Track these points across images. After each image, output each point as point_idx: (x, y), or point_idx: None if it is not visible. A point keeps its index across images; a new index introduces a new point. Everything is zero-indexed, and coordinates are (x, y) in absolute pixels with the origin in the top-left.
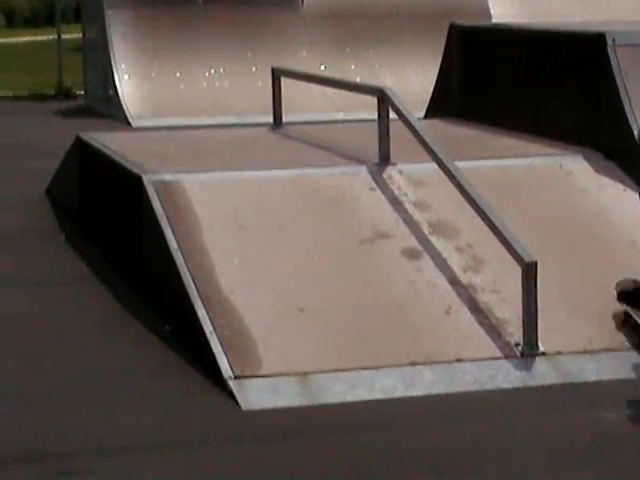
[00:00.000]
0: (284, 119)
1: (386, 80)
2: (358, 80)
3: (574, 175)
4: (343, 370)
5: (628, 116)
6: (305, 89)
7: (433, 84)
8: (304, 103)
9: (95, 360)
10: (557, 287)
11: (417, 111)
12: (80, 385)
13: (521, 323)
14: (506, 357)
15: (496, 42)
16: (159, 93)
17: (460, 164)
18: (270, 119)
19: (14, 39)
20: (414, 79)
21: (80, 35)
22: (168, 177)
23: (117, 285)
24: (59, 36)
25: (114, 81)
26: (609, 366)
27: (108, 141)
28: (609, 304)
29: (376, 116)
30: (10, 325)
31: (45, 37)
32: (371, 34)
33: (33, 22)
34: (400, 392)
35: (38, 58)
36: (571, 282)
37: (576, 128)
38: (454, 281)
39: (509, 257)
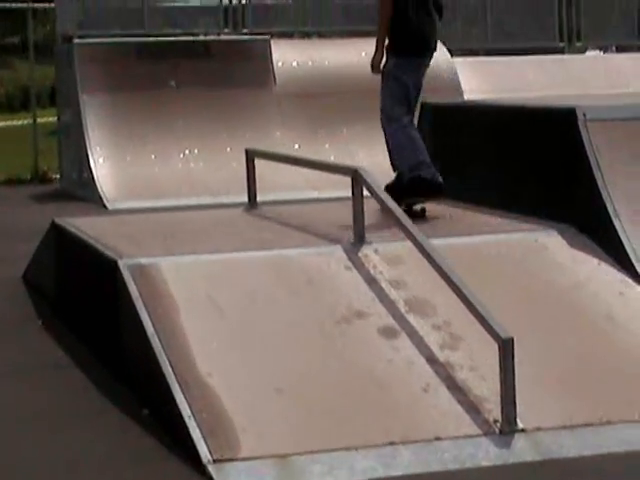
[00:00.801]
0: (259, 198)
1: (360, 158)
2: (332, 159)
3: (549, 250)
4: (322, 451)
5: (601, 190)
6: (279, 168)
7: None
8: (278, 182)
9: (73, 447)
10: (535, 363)
11: None
12: (59, 474)
13: (499, 400)
14: (485, 434)
15: (467, 119)
16: (134, 175)
17: (434, 241)
18: (245, 198)
19: None
20: (385, 156)
21: (55, 119)
22: (144, 260)
23: (95, 370)
24: (34, 120)
25: (89, 164)
26: (590, 441)
27: (83, 225)
28: (588, 378)
29: (349, 194)
30: None
31: (21, 122)
32: (344, 113)
33: (8, 107)
34: (379, 473)
35: (14, 142)
36: (549, 357)
37: (550, 203)
38: (431, 359)
39: (486, 334)
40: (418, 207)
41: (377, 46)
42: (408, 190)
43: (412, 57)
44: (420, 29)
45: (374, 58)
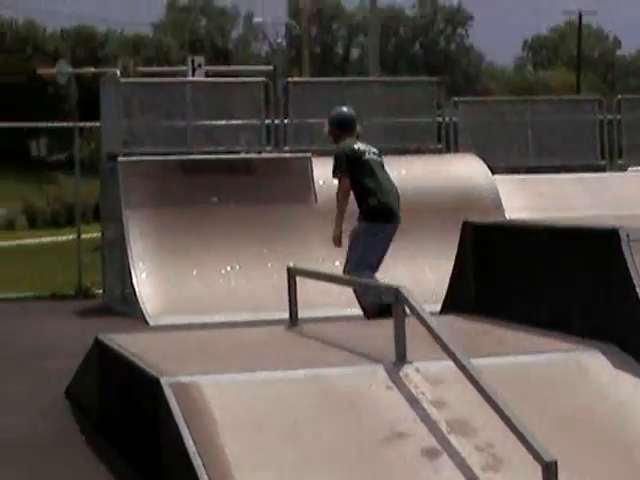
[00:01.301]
0: (299, 315)
1: (400, 275)
2: None
3: (591, 371)
4: None
5: None
6: (320, 284)
7: (447, 278)
8: (319, 299)
9: None
10: None
11: (432, 305)
12: None
13: None
14: None
15: (509, 238)
16: (176, 291)
17: (476, 361)
18: (285, 315)
19: (36, 239)
20: (429, 274)
21: (99, 234)
22: (185, 379)
23: None
24: (79, 236)
25: (131, 280)
26: None
27: (126, 342)
28: None
29: None
30: None
31: (65, 237)
32: None
33: (54, 223)
34: None
35: (58, 258)
36: None
37: (592, 322)
38: None
39: (529, 456)
40: None
41: (336, 221)
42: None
43: (380, 223)
44: (383, 200)
45: (334, 232)
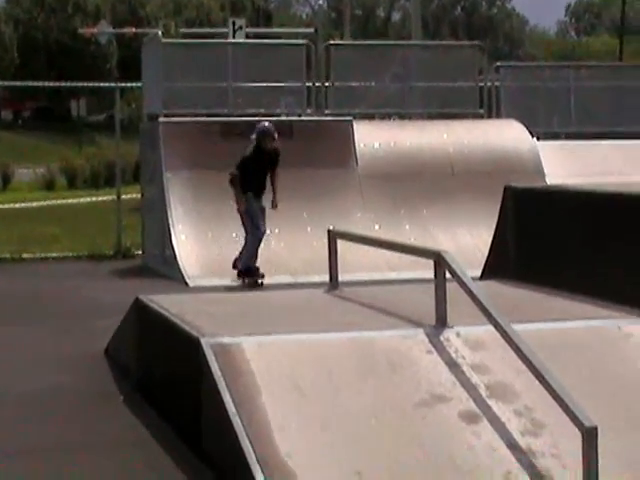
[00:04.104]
0: (339, 279)
1: (440, 239)
2: (412, 240)
3: (633, 337)
4: None
5: None
6: (359, 248)
7: (488, 244)
8: (358, 262)
9: None
10: (619, 454)
11: (472, 270)
12: None
13: None
14: None
15: (551, 204)
16: (216, 253)
17: (517, 326)
18: (324, 278)
19: (75, 200)
20: (469, 239)
21: (139, 195)
22: (226, 340)
23: (175, 447)
24: (119, 197)
25: (171, 241)
26: None
27: (166, 303)
28: None
29: (429, 275)
30: None
31: (104, 198)
32: (425, 194)
33: (93, 183)
34: None
35: (98, 218)
36: (634, 450)
37: (636, 291)
38: (513, 445)
39: (569, 421)
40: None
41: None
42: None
43: None
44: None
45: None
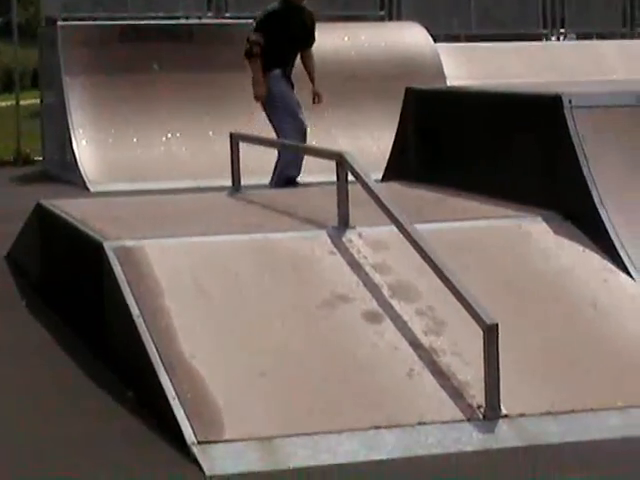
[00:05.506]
0: (243, 182)
1: (342, 143)
2: (315, 143)
3: (533, 236)
4: (305, 434)
5: (587, 178)
6: (263, 152)
7: (389, 147)
8: (262, 166)
9: (57, 427)
10: (519, 349)
11: (375, 173)
12: (40, 453)
13: (483, 385)
14: (469, 420)
15: (452, 105)
16: (116, 158)
17: (419, 226)
18: (228, 182)
19: None
20: (370, 142)
21: (38, 101)
22: (129, 243)
23: (79, 352)
24: (17, 102)
25: (72, 146)
26: (572, 428)
27: (68, 207)
28: (571, 365)
29: (334, 178)
30: None
31: (3, 104)
32: (327, 97)
33: None
34: (363, 456)
35: None
36: (533, 344)
37: (534, 190)
38: (415, 344)
39: (470, 319)
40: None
41: None
42: None
43: None
44: None
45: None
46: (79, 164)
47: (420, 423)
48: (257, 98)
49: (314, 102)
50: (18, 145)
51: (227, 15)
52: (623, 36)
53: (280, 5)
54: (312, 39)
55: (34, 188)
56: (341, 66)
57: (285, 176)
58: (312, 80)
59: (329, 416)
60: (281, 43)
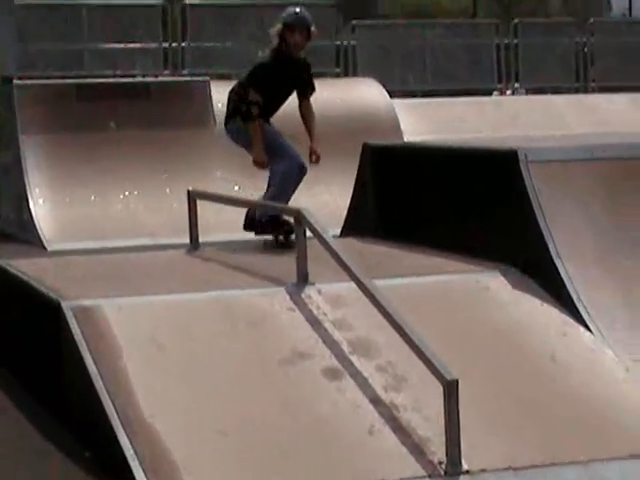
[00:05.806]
0: (200, 240)
1: (302, 199)
2: None
3: (491, 291)
4: None
5: (543, 231)
6: (220, 209)
7: (347, 202)
8: (220, 223)
9: None
10: (479, 404)
11: (334, 228)
12: None
13: (444, 441)
14: (430, 476)
15: (408, 160)
16: (74, 216)
17: (377, 282)
18: (186, 240)
19: None
20: (328, 197)
21: None
22: (86, 302)
23: (37, 414)
24: None
25: (28, 205)
26: None
27: (24, 266)
28: (532, 419)
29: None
30: None
31: None
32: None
33: None
34: None
35: None
36: (493, 399)
37: (492, 244)
38: (376, 400)
39: (430, 375)
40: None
41: None
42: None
43: None
44: None
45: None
46: (36, 223)
47: None
48: (258, 164)
49: (311, 162)
50: None
51: (184, 72)
52: (577, 90)
53: (272, 54)
54: (311, 89)
55: None
56: (297, 122)
57: (271, 214)
58: (311, 137)
59: (289, 474)
60: (272, 97)
